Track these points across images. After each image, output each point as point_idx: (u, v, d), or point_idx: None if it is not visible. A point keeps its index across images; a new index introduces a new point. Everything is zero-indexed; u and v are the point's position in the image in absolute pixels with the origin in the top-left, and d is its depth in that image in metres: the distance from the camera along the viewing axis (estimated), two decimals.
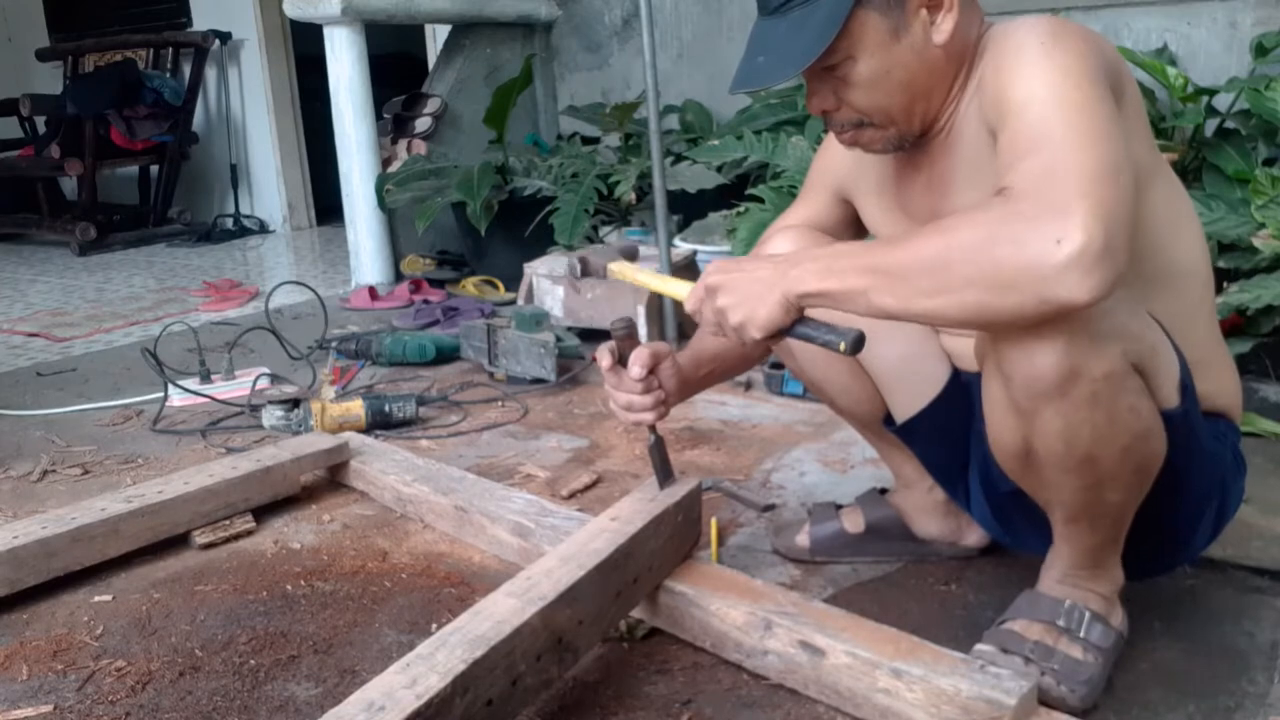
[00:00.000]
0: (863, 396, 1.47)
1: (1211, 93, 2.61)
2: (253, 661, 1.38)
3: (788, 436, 2.17)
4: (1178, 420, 1.14)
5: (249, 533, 1.78)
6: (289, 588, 1.59)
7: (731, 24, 3.96)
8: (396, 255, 4.01)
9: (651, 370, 1.34)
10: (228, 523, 1.77)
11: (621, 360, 1.35)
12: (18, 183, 5.69)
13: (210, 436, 2.29)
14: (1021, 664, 1.18)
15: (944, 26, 1.16)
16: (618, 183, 3.30)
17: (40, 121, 5.95)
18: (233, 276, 4.44)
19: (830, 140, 1.42)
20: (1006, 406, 1.12)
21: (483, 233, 3.43)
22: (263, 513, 1.84)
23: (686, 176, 3.24)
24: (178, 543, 1.73)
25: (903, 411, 1.42)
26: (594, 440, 2.20)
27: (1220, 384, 1.25)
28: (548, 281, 2.94)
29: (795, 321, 1.11)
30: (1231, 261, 2.19)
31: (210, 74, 5.86)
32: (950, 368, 1.39)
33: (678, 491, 1.45)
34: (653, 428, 1.42)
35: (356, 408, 2.24)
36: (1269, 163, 2.46)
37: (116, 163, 5.53)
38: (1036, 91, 1.02)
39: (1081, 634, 1.21)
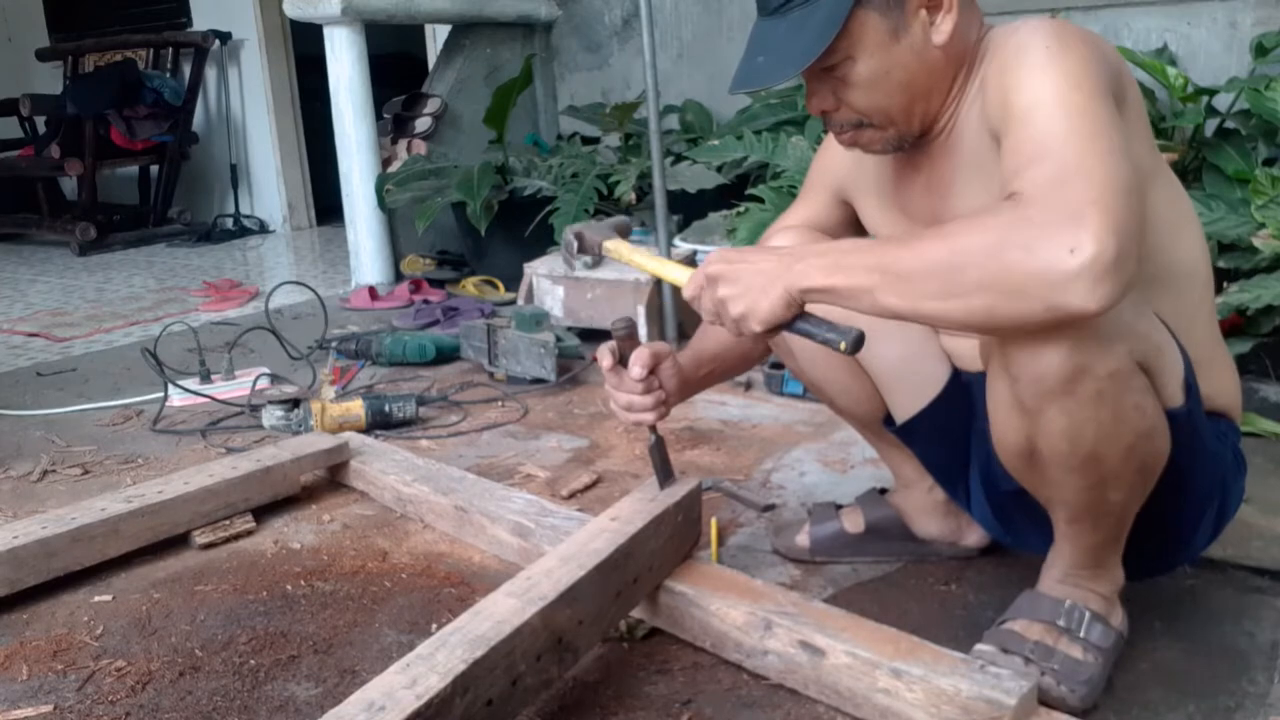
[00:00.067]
0: (863, 396, 1.47)
1: (1211, 93, 2.61)
2: (253, 661, 1.38)
3: (788, 436, 2.17)
4: (1181, 419, 1.14)
5: (249, 533, 1.78)
6: (289, 588, 1.59)
7: (731, 24, 3.96)
8: (396, 255, 4.01)
9: (652, 370, 1.34)
10: (228, 523, 1.77)
11: (622, 360, 1.35)
12: (18, 183, 5.69)
13: (210, 436, 2.29)
14: (1021, 664, 1.18)
15: (943, 27, 1.16)
16: (618, 183, 3.30)
17: (40, 121, 5.95)
18: (233, 276, 4.44)
19: (830, 140, 1.42)
20: (1011, 405, 1.12)
21: (483, 233, 3.43)
22: (263, 513, 1.84)
23: (686, 176, 3.24)
24: (178, 543, 1.73)
25: (903, 412, 1.42)
26: (594, 440, 2.20)
27: (1220, 384, 1.25)
28: (548, 281, 2.94)
29: (796, 317, 1.10)
30: (1231, 261, 2.19)
31: (210, 74, 5.86)
32: (950, 368, 1.39)
33: (678, 491, 1.45)
34: (653, 428, 1.42)
35: (356, 408, 2.24)
36: (1269, 163, 2.46)
37: (116, 163, 5.53)
38: (1042, 97, 1.02)
39: (1081, 634, 1.21)
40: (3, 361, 3.12)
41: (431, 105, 4.11)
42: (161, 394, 2.48)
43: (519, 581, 1.22)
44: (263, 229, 5.87)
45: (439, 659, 1.05)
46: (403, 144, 4.09)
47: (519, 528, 1.61)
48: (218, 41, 5.62)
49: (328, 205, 5.57)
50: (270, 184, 5.93)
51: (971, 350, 1.29)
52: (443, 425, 2.33)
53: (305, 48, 5.42)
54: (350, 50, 3.74)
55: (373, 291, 3.66)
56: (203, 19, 5.83)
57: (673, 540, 1.42)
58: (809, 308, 1.10)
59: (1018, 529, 1.39)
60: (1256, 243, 2.13)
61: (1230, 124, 2.61)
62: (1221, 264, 2.18)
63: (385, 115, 4.12)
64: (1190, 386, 1.15)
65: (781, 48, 1.15)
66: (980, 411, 1.24)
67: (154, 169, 5.75)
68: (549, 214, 3.25)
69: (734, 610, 1.30)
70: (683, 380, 1.40)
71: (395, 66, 5.43)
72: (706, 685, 1.30)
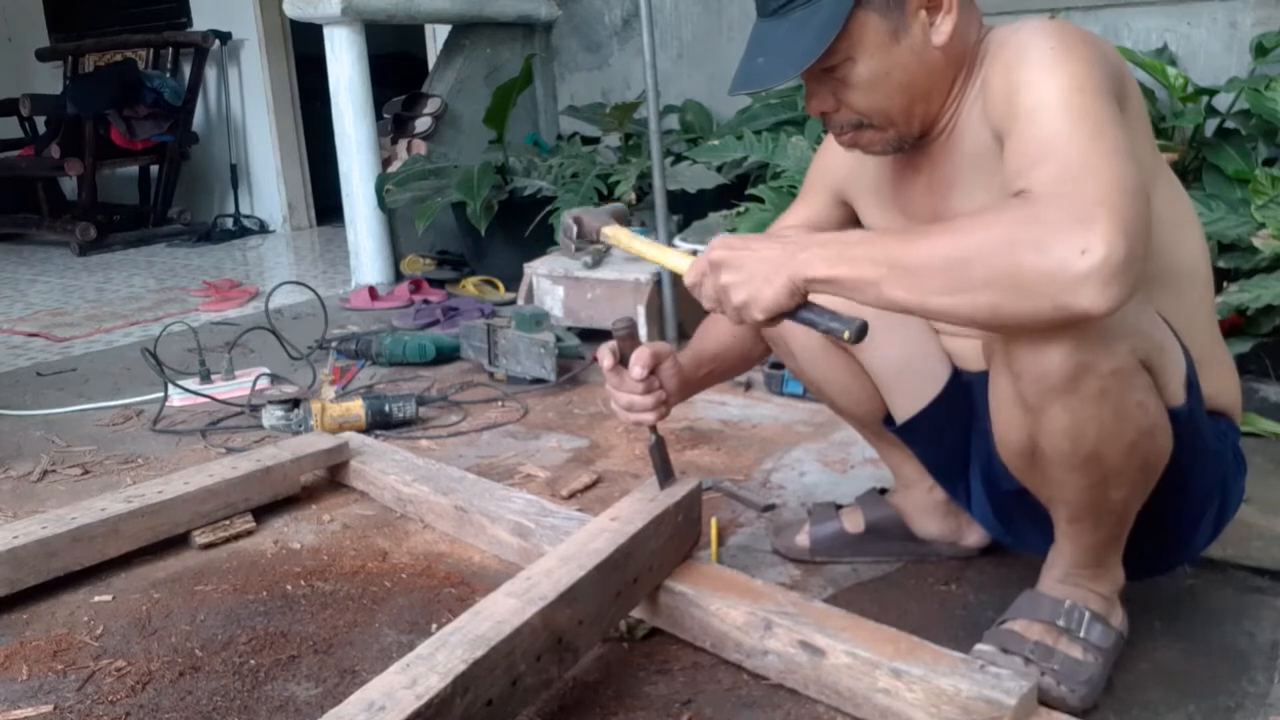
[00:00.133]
0: (863, 396, 1.47)
1: (1211, 93, 2.61)
2: (253, 661, 1.38)
3: (788, 436, 2.17)
4: (1183, 418, 1.14)
5: (249, 533, 1.78)
6: (289, 588, 1.59)
7: (731, 24, 3.96)
8: (396, 255, 4.01)
9: (652, 370, 1.34)
10: (228, 523, 1.77)
11: (623, 360, 1.35)
12: (18, 183, 5.69)
13: (210, 436, 2.29)
14: (1021, 664, 1.18)
15: (943, 28, 1.16)
16: (618, 183, 3.30)
17: (40, 121, 5.95)
18: (233, 276, 4.44)
19: (829, 141, 1.41)
20: (1014, 403, 1.12)
21: (483, 233, 3.43)
22: (263, 513, 1.84)
23: (686, 176, 3.24)
24: (178, 543, 1.73)
25: (903, 411, 1.42)
26: (594, 440, 2.20)
27: (1221, 383, 1.25)
28: (548, 281, 2.94)
29: (799, 306, 1.09)
30: (1231, 261, 2.19)
31: (210, 74, 5.86)
32: (951, 367, 1.39)
33: (678, 491, 1.45)
34: (653, 428, 1.42)
35: (356, 408, 2.24)
36: (1269, 163, 2.46)
37: (116, 163, 5.53)
38: (1047, 98, 1.02)
39: (1081, 634, 1.21)
40: (3, 361, 3.12)
41: (431, 105, 4.11)
42: (161, 394, 2.48)
43: (519, 581, 1.22)
44: (263, 229, 5.87)
45: (439, 659, 1.05)
46: (403, 144, 4.09)
47: (519, 528, 1.61)
48: (218, 41, 5.62)
49: (328, 205, 5.57)
50: (270, 184, 5.93)
51: (972, 350, 1.29)
52: (443, 425, 2.33)
53: (305, 48, 5.42)
54: (350, 50, 3.74)
55: (373, 291, 3.66)
56: (203, 19, 5.83)
57: (673, 540, 1.42)
58: (812, 297, 1.10)
59: (1018, 529, 1.39)
60: (1256, 243, 2.13)
61: (1230, 124, 2.61)
62: (1221, 264, 2.18)
63: (385, 115, 4.12)
64: (1192, 385, 1.15)
65: (781, 49, 1.15)
66: (981, 411, 1.24)
67: (154, 169, 5.75)
68: (549, 214, 3.25)
69: (734, 610, 1.30)
70: (683, 380, 1.40)
71: (395, 66, 5.43)
72: (706, 685, 1.30)
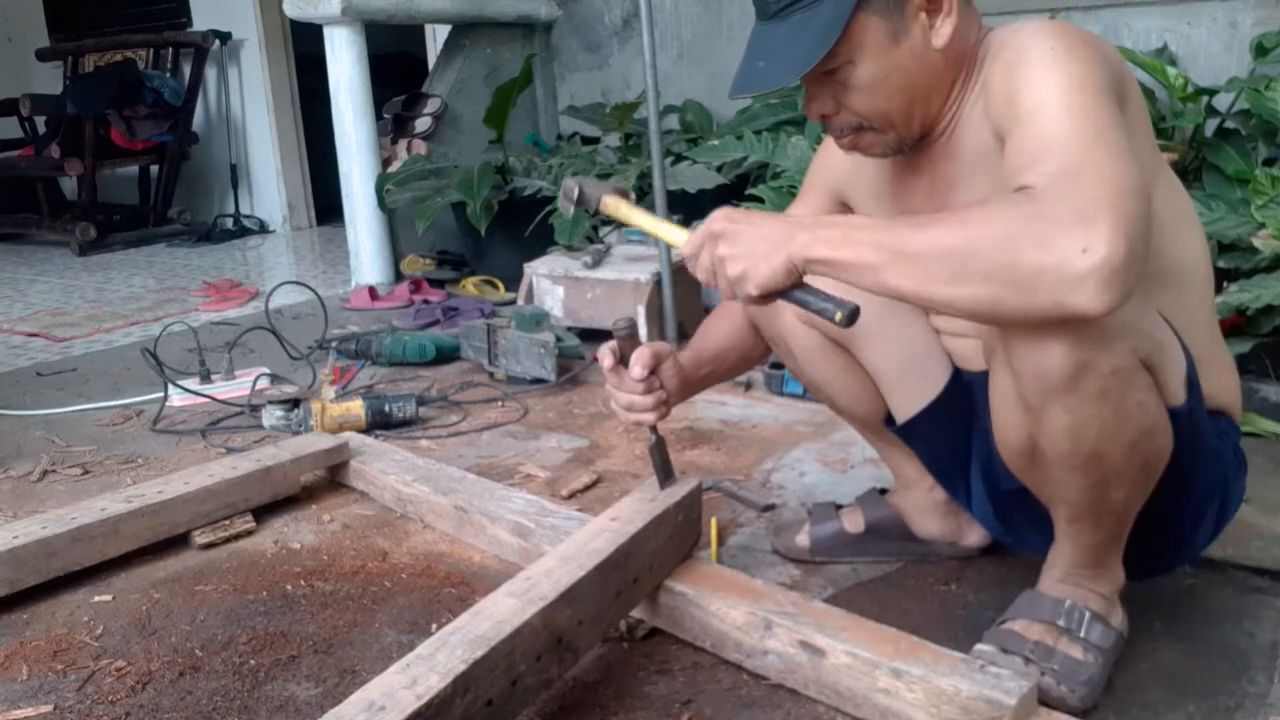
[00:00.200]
0: (863, 396, 1.47)
1: (1211, 93, 2.61)
2: (253, 661, 1.38)
3: (788, 436, 2.17)
4: (1184, 417, 1.14)
5: (249, 533, 1.78)
6: (289, 588, 1.59)
7: (731, 24, 3.96)
8: (396, 255, 4.01)
9: (653, 370, 1.34)
10: (228, 523, 1.77)
11: (623, 360, 1.35)
12: (18, 183, 5.68)
13: (210, 436, 2.29)
14: (1021, 664, 1.18)
15: (943, 30, 1.16)
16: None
17: (40, 121, 5.95)
18: (233, 276, 4.44)
19: (829, 141, 1.41)
20: (1014, 402, 1.12)
21: (483, 233, 3.43)
22: (263, 513, 1.84)
23: (686, 176, 3.24)
24: (178, 543, 1.73)
25: (904, 411, 1.42)
26: (594, 440, 2.20)
27: (1221, 383, 1.26)
28: (548, 281, 2.94)
29: (794, 285, 1.09)
30: (1231, 261, 2.19)
31: (210, 74, 5.86)
32: (951, 367, 1.39)
33: (678, 491, 1.45)
34: (654, 428, 1.42)
35: (356, 408, 2.24)
36: (1269, 163, 2.46)
37: (116, 163, 5.53)
38: (1048, 97, 1.02)
39: (1082, 634, 1.21)
40: (3, 361, 3.12)
41: (431, 105, 4.11)
42: (161, 394, 2.48)
43: (519, 581, 1.22)
44: (263, 229, 5.87)
45: (439, 659, 1.05)
46: (403, 144, 4.09)
47: (519, 528, 1.61)
48: (218, 41, 5.62)
49: (328, 205, 5.57)
50: (270, 184, 5.93)
51: (973, 350, 1.29)
52: (443, 425, 2.33)
53: (305, 48, 5.42)
54: (350, 50, 3.74)
55: (373, 291, 3.66)
56: (203, 19, 5.83)
57: (673, 540, 1.42)
58: (807, 278, 1.09)
59: (1018, 529, 1.39)
60: (1256, 243, 2.13)
61: (1230, 124, 2.61)
62: (1221, 264, 2.18)
63: (385, 115, 4.12)
64: (1192, 384, 1.15)
65: (781, 52, 1.15)
66: (981, 411, 1.24)
67: (154, 169, 5.75)
68: (549, 214, 3.25)
69: (734, 610, 1.30)
70: (683, 380, 1.40)
71: (395, 66, 5.43)
72: (706, 685, 1.30)
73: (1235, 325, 2.13)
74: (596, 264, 2.92)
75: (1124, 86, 1.09)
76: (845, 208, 1.44)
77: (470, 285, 3.65)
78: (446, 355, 2.81)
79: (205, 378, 2.60)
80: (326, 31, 3.75)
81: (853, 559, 1.58)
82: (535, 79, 4.26)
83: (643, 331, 2.74)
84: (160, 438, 2.31)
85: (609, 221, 3.55)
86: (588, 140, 4.19)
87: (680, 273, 2.85)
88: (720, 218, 1.13)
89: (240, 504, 1.79)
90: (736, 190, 3.20)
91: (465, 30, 4.24)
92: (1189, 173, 2.56)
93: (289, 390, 2.52)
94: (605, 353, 1.35)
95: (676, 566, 1.42)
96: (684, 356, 1.42)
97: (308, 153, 5.93)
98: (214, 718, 1.27)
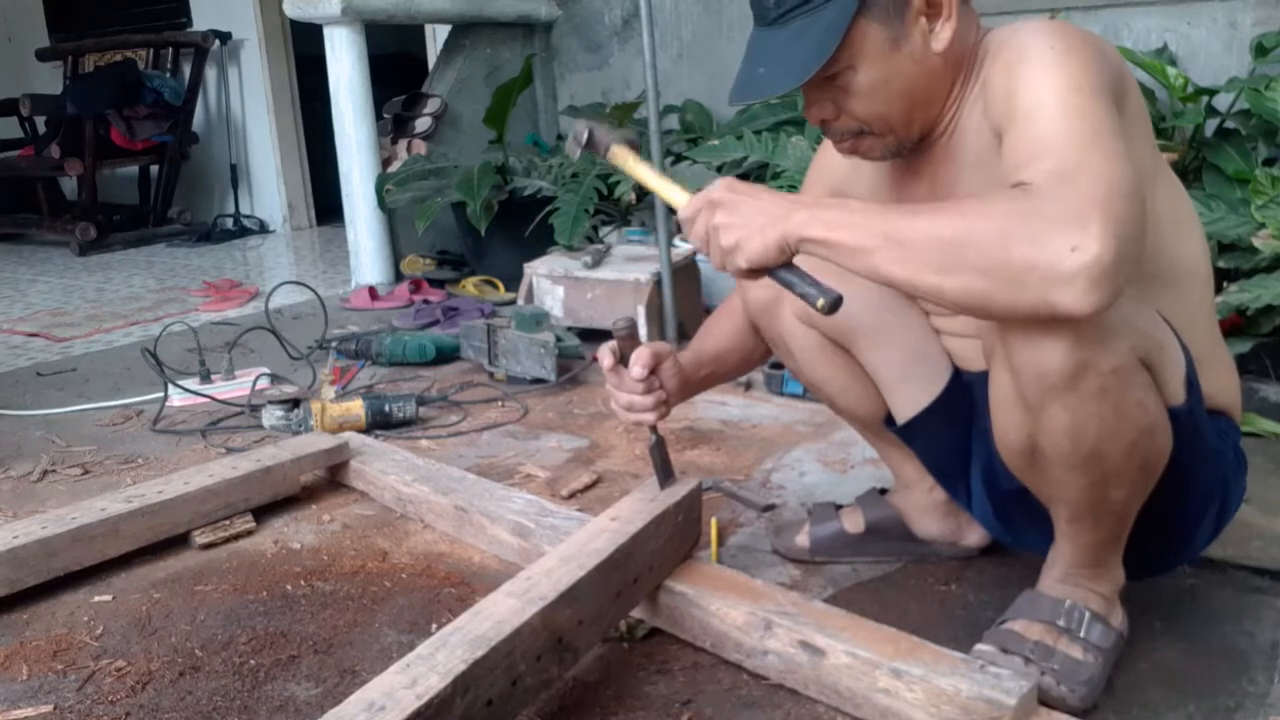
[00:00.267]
0: (863, 397, 1.47)
1: (1211, 93, 2.61)
2: (253, 661, 1.38)
3: (788, 436, 2.17)
4: (1183, 417, 1.14)
5: (249, 533, 1.78)
6: (289, 588, 1.59)
7: (731, 24, 3.96)
8: (396, 255, 4.01)
9: (653, 370, 1.34)
10: (228, 523, 1.77)
11: (623, 360, 1.35)
12: (18, 183, 5.68)
13: (210, 436, 2.29)
14: (1021, 664, 1.18)
15: (943, 35, 1.16)
16: (618, 183, 3.30)
17: (40, 121, 5.95)
18: (233, 276, 4.44)
19: (829, 142, 1.41)
20: (1014, 401, 1.12)
21: (483, 233, 3.43)
22: (263, 513, 1.84)
23: (686, 176, 3.24)
24: (178, 543, 1.73)
25: (904, 412, 1.42)
26: (594, 440, 2.20)
27: (1221, 383, 1.26)
28: (548, 281, 2.94)
29: (784, 265, 1.09)
30: (1231, 261, 2.19)
31: (210, 74, 5.86)
32: (951, 368, 1.39)
33: (678, 491, 1.45)
34: (654, 428, 1.42)
35: (356, 408, 2.24)
36: (1269, 163, 2.46)
37: (116, 163, 5.53)
38: (1046, 97, 1.02)
39: (1081, 634, 1.21)
40: (3, 361, 3.12)
41: (431, 105, 4.11)
42: (161, 394, 2.48)
43: (519, 581, 1.22)
44: (263, 229, 5.87)
45: (439, 659, 1.05)
46: (403, 144, 4.09)
47: (519, 528, 1.61)
48: (218, 41, 5.62)
49: (328, 205, 5.57)
50: (270, 184, 5.93)
51: (973, 350, 1.29)
52: (443, 425, 2.33)
53: (305, 48, 5.42)
54: (350, 50, 3.74)
55: (373, 291, 3.66)
56: (203, 19, 5.83)
57: (673, 540, 1.42)
58: (800, 260, 1.09)
59: (1018, 529, 1.39)
60: (1256, 243, 2.13)
61: (1230, 124, 2.61)
62: (1221, 264, 2.18)
63: (385, 115, 4.12)
64: (1192, 384, 1.15)
65: (782, 58, 1.15)
66: (982, 411, 1.24)
67: (154, 169, 5.75)
68: (549, 214, 3.26)
69: (734, 610, 1.30)
70: (683, 380, 1.40)
71: (395, 66, 5.43)
72: (706, 685, 1.30)
73: (1235, 325, 2.13)
74: (596, 264, 2.92)
75: (1124, 87, 1.09)
76: None
77: (470, 285, 3.65)
78: (446, 355, 2.81)
79: (205, 378, 2.60)
80: (326, 31, 3.75)
81: (853, 559, 1.58)
82: (535, 79, 4.26)
83: (643, 331, 2.74)
84: (160, 438, 2.31)
85: (609, 221, 3.56)
86: None
87: (680, 273, 2.85)
88: (722, 186, 1.12)
89: (240, 504, 1.79)
90: None
91: (465, 30, 4.24)
92: (1189, 173, 2.56)
93: (289, 390, 2.52)
94: (605, 353, 1.35)
95: (676, 566, 1.42)
96: (684, 357, 1.42)
97: (308, 153, 5.93)
98: (214, 718, 1.27)
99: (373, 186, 3.84)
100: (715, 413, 2.33)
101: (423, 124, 4.09)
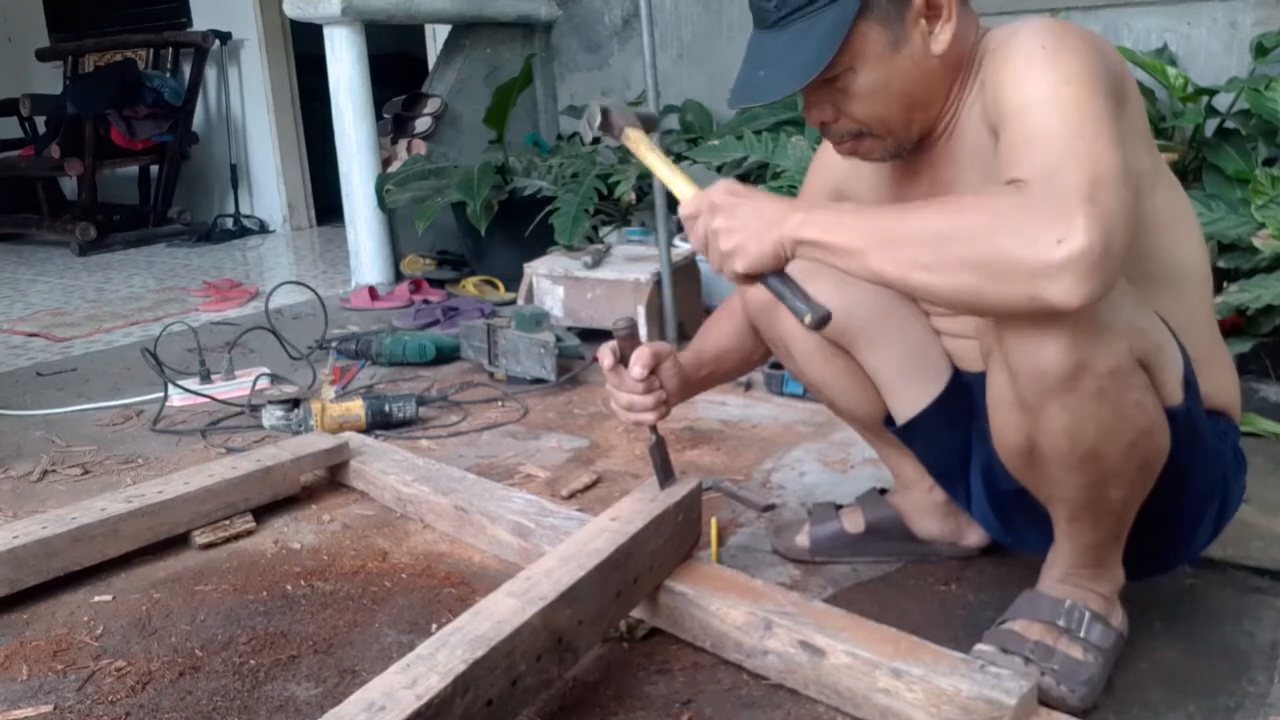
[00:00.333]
0: (862, 397, 1.47)
1: (1211, 93, 2.61)
2: (253, 661, 1.38)
3: (788, 436, 2.17)
4: (1181, 417, 1.14)
5: (249, 533, 1.78)
6: (289, 588, 1.59)
7: (731, 24, 3.96)
8: (396, 255, 4.01)
9: (653, 370, 1.34)
10: (228, 523, 1.77)
11: (623, 360, 1.35)
12: (18, 183, 5.68)
13: (210, 436, 2.29)
14: (1021, 664, 1.18)
15: (942, 36, 1.16)
16: (618, 183, 3.30)
17: (40, 121, 5.95)
18: (233, 276, 4.44)
19: (828, 143, 1.41)
20: (1012, 402, 1.12)
21: (483, 233, 3.43)
22: (263, 513, 1.84)
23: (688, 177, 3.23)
24: (178, 543, 1.73)
25: (903, 412, 1.42)
26: (594, 440, 2.20)
27: (1220, 383, 1.26)
28: (548, 281, 2.94)
29: (777, 272, 1.09)
30: (1231, 261, 2.19)
31: (210, 74, 5.86)
32: (951, 368, 1.39)
33: (678, 491, 1.45)
34: (654, 428, 1.42)
35: (356, 408, 2.24)
36: (1269, 163, 2.46)
37: (116, 163, 5.53)
38: (1040, 94, 1.02)
39: (1081, 634, 1.21)
40: (3, 361, 3.12)
41: (431, 105, 4.11)
42: (161, 394, 2.48)
43: (519, 581, 1.22)
44: (263, 229, 5.87)
45: (439, 659, 1.05)
46: (403, 144, 4.09)
47: (519, 528, 1.61)
48: (218, 41, 5.62)
49: (328, 205, 5.57)
50: (270, 184, 5.93)
51: (972, 351, 1.29)
52: (443, 425, 2.33)
53: (305, 48, 5.42)
54: (350, 50, 3.74)
55: (373, 291, 3.66)
56: (203, 19, 5.83)
57: (673, 540, 1.42)
58: (792, 269, 1.09)
59: (1018, 529, 1.39)
60: (1256, 243, 2.13)
61: (1230, 124, 2.61)
62: (1221, 264, 2.18)
63: (385, 115, 4.12)
64: (1190, 384, 1.15)
65: (782, 61, 1.15)
66: (981, 412, 1.24)
67: (154, 169, 5.75)
68: (549, 214, 3.26)
69: (734, 610, 1.30)
70: (683, 380, 1.40)
71: (395, 66, 5.43)
72: (706, 685, 1.30)
73: (1235, 325, 2.13)
74: (596, 264, 2.92)
75: (1123, 86, 1.09)
76: None
77: (470, 285, 3.65)
78: (446, 355, 2.81)
79: (205, 378, 2.60)
80: (326, 31, 3.75)
81: (853, 559, 1.58)
82: (535, 79, 4.26)
83: (643, 331, 2.74)
84: (160, 438, 2.31)
85: (609, 221, 3.55)
86: None
87: (680, 273, 2.85)
88: (723, 190, 1.13)
89: (240, 504, 1.79)
90: None
91: (465, 30, 4.24)
92: (1189, 173, 2.56)
93: (289, 390, 2.52)
94: (605, 352, 1.35)
95: (676, 566, 1.42)
96: (684, 357, 1.42)
97: (308, 153, 5.93)
98: (214, 718, 1.27)
99: (373, 186, 3.84)
100: (715, 413, 2.33)
101: (423, 124, 4.09)
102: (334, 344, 2.86)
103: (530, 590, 1.19)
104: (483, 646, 1.07)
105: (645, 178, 3.21)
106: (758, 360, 1.54)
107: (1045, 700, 1.15)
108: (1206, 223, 2.17)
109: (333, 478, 1.99)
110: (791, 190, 2.76)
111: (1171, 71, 2.62)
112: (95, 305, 3.98)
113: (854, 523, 1.58)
